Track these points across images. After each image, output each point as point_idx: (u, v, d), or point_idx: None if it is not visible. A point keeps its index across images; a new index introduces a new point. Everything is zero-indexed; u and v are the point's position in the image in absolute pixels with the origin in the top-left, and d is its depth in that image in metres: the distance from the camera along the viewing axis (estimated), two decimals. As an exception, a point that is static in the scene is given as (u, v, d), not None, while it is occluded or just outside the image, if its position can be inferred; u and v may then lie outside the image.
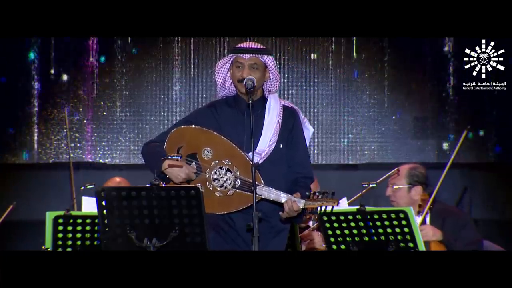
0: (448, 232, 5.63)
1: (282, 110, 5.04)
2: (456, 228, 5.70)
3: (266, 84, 5.02)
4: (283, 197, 4.81)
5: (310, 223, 6.07)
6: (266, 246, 4.82)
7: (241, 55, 4.96)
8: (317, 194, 4.76)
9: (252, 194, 4.80)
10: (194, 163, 4.92)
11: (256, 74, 4.93)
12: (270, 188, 4.81)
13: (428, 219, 5.78)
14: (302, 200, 4.78)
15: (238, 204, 4.88)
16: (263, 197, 4.81)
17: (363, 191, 6.45)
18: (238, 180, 4.88)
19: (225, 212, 4.89)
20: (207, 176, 4.91)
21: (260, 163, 4.86)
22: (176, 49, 7.90)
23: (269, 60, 4.98)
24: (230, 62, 5.02)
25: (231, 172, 4.89)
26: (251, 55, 4.95)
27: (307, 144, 5.12)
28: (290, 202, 4.78)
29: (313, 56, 7.90)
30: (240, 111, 5.01)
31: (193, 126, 4.98)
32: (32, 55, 7.84)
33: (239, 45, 5.02)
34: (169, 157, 4.89)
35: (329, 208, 4.76)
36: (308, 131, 5.14)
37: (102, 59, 7.86)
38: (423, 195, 5.82)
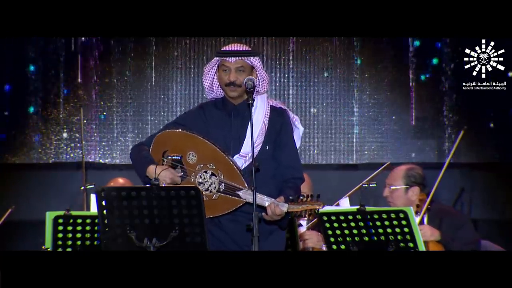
0: (445, 232, 5.63)
1: (269, 110, 5.01)
2: (453, 228, 5.70)
3: (257, 85, 5.00)
4: (266, 201, 4.79)
5: (304, 222, 6.07)
6: (260, 248, 4.81)
7: (227, 58, 4.94)
8: (301, 197, 4.75)
9: (237, 198, 4.82)
10: (179, 167, 4.91)
11: (243, 77, 4.91)
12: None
13: (426, 219, 5.78)
14: (286, 204, 4.77)
15: (223, 208, 4.87)
16: (247, 201, 4.79)
17: (356, 187, 6.45)
18: (223, 184, 4.87)
19: (211, 216, 4.88)
20: (192, 180, 4.90)
21: (245, 165, 4.85)
22: (176, 49, 7.90)
23: (256, 61, 4.96)
24: (216, 65, 5.00)
25: (216, 176, 4.88)
26: (237, 58, 4.94)
27: (298, 143, 5.09)
28: (273, 206, 4.77)
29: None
30: (227, 114, 5.01)
31: (178, 130, 4.97)
32: (32, 55, 7.85)
33: (224, 48, 4.99)
34: (169, 157, 4.90)
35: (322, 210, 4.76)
36: (298, 130, 5.10)
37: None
38: (420, 195, 5.82)
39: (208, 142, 4.88)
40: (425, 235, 5.51)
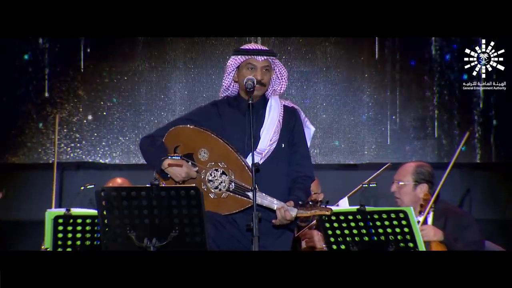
0: (449, 232, 5.61)
1: (282, 110, 5.04)
2: (458, 228, 5.68)
3: (274, 85, 5.04)
4: (276, 204, 4.80)
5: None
6: (271, 246, 4.83)
7: (255, 57, 4.95)
8: (310, 203, 4.75)
9: (246, 199, 4.82)
10: (190, 163, 4.92)
11: (267, 76, 4.96)
12: (264, 194, 4.80)
13: (430, 219, 5.76)
14: (295, 209, 4.76)
15: (231, 208, 4.88)
16: (256, 202, 4.79)
17: (355, 189, 6.44)
18: (233, 184, 4.88)
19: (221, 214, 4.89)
20: (202, 177, 4.92)
21: (261, 162, 4.86)
22: (176, 49, 7.90)
23: (278, 62, 5.02)
24: (237, 64, 5.00)
25: (226, 175, 4.89)
26: (264, 57, 4.96)
27: (308, 143, 5.12)
28: (282, 210, 4.77)
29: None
30: (241, 111, 5.02)
31: (191, 126, 4.99)
32: (27, 55, 7.84)
33: (245, 47, 5.00)
34: (169, 157, 4.90)
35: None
36: (309, 130, 5.14)
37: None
38: (425, 195, 5.80)
39: (220, 140, 4.90)
40: (428, 235, 5.50)
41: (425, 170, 5.88)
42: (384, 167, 6.61)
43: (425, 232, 5.47)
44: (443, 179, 5.85)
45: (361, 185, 6.54)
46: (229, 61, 5.03)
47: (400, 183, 5.88)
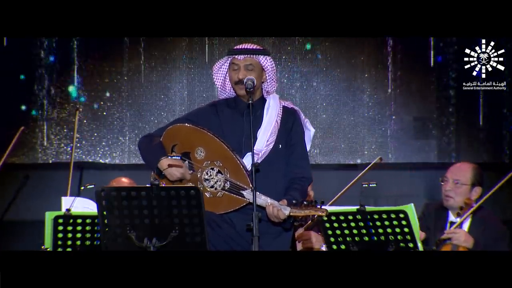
0: (483, 242, 5.59)
1: (281, 111, 5.04)
2: (493, 241, 5.65)
3: (264, 85, 5.02)
4: (269, 203, 4.81)
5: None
6: (269, 246, 4.83)
7: (237, 56, 4.96)
8: (304, 203, 4.74)
9: (241, 198, 4.83)
10: (187, 161, 4.93)
11: (252, 75, 4.92)
12: (258, 193, 4.80)
13: (467, 224, 5.71)
14: (288, 207, 4.76)
15: (227, 206, 4.88)
16: (250, 201, 4.80)
17: (347, 186, 6.41)
18: (228, 183, 4.88)
19: (215, 213, 4.89)
20: (198, 175, 4.92)
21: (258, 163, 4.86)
22: (176, 49, 7.90)
23: (266, 61, 4.97)
24: (227, 64, 5.02)
25: (222, 174, 4.89)
26: (245, 56, 4.94)
27: (309, 145, 5.12)
28: (271, 207, 4.78)
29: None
30: (240, 112, 5.02)
31: (188, 125, 4.99)
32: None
33: (235, 47, 5.03)
34: (169, 157, 4.90)
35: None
36: (309, 131, 5.13)
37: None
38: (467, 199, 5.76)
39: (217, 139, 4.91)
40: (458, 239, 5.51)
41: (481, 173, 5.85)
42: (373, 161, 6.60)
43: (457, 236, 5.48)
44: (491, 192, 5.79)
45: (354, 180, 6.49)
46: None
47: (459, 182, 5.83)
